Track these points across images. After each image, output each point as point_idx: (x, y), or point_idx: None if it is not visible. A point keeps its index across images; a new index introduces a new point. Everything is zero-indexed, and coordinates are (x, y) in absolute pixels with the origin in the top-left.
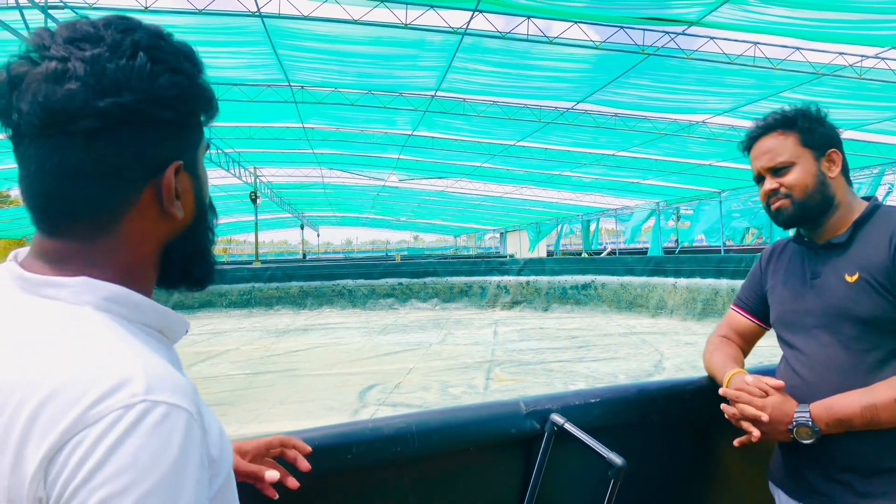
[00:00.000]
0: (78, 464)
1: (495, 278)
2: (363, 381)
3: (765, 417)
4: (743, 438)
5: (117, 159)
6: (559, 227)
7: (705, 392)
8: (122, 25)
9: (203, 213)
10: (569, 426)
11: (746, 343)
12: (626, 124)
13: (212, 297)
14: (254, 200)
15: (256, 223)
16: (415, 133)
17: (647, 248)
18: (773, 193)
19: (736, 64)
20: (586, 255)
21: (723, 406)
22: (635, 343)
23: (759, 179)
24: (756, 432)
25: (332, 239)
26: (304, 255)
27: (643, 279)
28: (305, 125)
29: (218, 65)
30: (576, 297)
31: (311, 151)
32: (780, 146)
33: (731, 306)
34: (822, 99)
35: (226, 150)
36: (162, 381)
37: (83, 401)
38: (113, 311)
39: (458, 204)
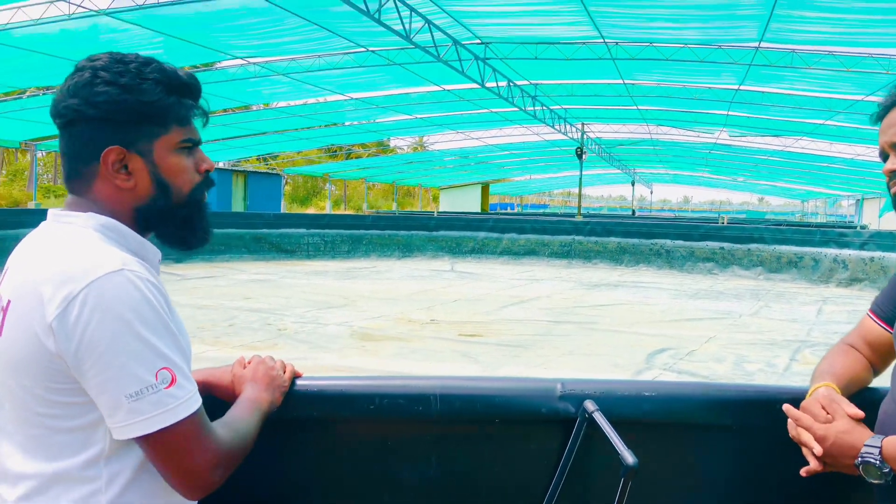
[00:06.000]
0: (83, 306)
1: (832, 251)
2: (657, 344)
3: (818, 450)
4: (809, 468)
5: (75, 144)
6: None
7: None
8: (98, 57)
9: (164, 188)
10: (597, 415)
11: (878, 357)
12: None
13: (536, 246)
14: (579, 156)
15: (581, 178)
16: (742, 88)
17: None
18: (893, 175)
19: None
20: None
21: (788, 424)
22: None
23: (884, 157)
24: (814, 463)
25: (670, 196)
26: (634, 212)
27: None
28: (626, 81)
29: (533, 23)
30: None
31: (635, 108)
32: None
33: (868, 311)
34: None
35: (552, 108)
36: (132, 262)
37: (87, 272)
38: (107, 235)
39: (803, 165)
